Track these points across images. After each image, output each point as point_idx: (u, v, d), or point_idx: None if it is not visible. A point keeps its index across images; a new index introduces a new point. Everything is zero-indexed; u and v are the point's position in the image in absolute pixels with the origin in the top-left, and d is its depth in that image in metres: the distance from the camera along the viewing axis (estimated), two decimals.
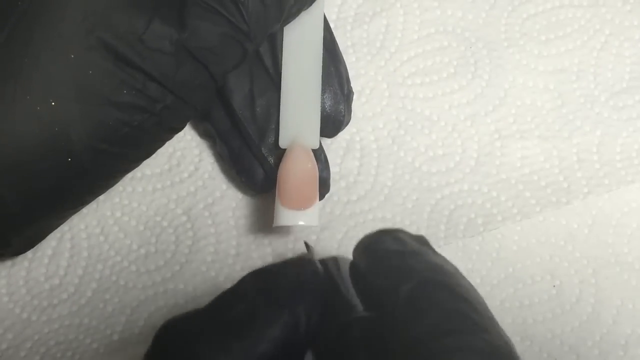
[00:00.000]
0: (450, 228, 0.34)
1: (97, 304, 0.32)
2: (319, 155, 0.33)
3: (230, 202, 0.34)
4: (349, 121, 0.34)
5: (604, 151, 0.35)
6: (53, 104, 0.25)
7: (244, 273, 0.33)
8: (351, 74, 0.36)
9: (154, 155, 0.30)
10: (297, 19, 0.31)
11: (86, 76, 0.25)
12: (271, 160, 0.32)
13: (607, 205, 0.35)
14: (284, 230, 0.33)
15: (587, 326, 0.33)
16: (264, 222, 0.34)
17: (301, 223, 0.30)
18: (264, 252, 0.33)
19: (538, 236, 0.34)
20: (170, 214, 0.34)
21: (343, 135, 0.35)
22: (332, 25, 0.36)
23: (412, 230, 0.34)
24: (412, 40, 0.36)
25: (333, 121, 0.33)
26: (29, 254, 0.32)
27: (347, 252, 0.33)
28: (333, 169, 0.34)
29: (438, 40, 0.36)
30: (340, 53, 0.34)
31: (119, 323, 0.32)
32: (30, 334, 0.31)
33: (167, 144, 0.30)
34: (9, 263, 0.32)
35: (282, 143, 0.32)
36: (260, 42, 0.29)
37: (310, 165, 0.31)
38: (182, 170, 0.34)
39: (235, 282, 0.32)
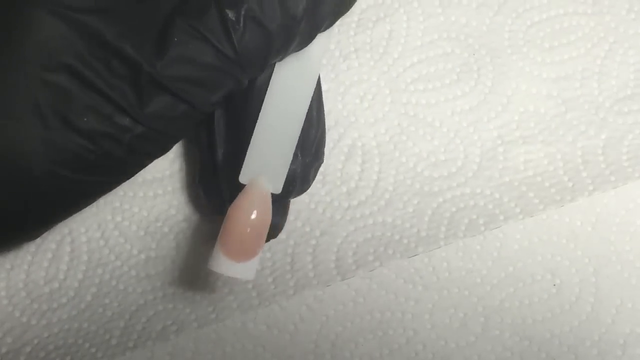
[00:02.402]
0: (451, 229, 0.33)
1: (97, 309, 0.32)
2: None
3: None
4: (303, 191, 0.31)
5: (610, 152, 0.35)
6: (13, 125, 0.24)
7: (243, 279, 0.33)
8: (354, 79, 0.36)
9: (155, 161, 0.29)
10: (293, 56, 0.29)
11: (48, 99, 0.24)
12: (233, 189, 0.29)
13: (612, 202, 0.34)
14: (283, 236, 0.33)
15: (586, 326, 0.33)
16: None
17: (235, 276, 0.27)
18: (263, 257, 0.33)
19: (540, 235, 0.34)
20: (171, 220, 0.34)
21: (345, 140, 0.35)
22: (335, 30, 0.36)
23: (413, 232, 0.34)
24: (415, 47, 0.36)
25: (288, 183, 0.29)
26: (29, 256, 0.32)
27: (347, 256, 0.33)
28: (334, 175, 0.34)
29: (441, 46, 0.36)
30: (323, 114, 0.32)
31: (118, 328, 0.32)
32: (30, 338, 0.31)
33: None
34: (8, 266, 0.32)
35: (243, 178, 0.28)
36: (259, 71, 0.27)
37: (265, 217, 0.27)
38: (184, 176, 0.34)
39: (233, 287, 0.32)
